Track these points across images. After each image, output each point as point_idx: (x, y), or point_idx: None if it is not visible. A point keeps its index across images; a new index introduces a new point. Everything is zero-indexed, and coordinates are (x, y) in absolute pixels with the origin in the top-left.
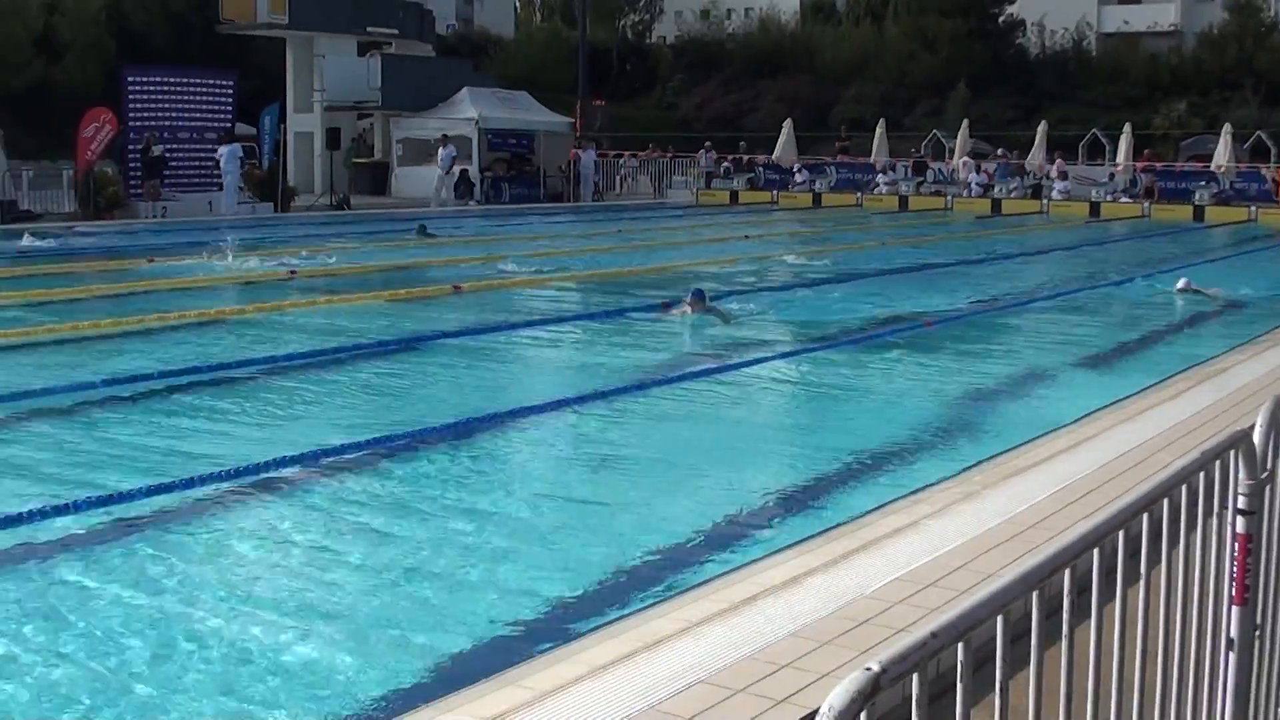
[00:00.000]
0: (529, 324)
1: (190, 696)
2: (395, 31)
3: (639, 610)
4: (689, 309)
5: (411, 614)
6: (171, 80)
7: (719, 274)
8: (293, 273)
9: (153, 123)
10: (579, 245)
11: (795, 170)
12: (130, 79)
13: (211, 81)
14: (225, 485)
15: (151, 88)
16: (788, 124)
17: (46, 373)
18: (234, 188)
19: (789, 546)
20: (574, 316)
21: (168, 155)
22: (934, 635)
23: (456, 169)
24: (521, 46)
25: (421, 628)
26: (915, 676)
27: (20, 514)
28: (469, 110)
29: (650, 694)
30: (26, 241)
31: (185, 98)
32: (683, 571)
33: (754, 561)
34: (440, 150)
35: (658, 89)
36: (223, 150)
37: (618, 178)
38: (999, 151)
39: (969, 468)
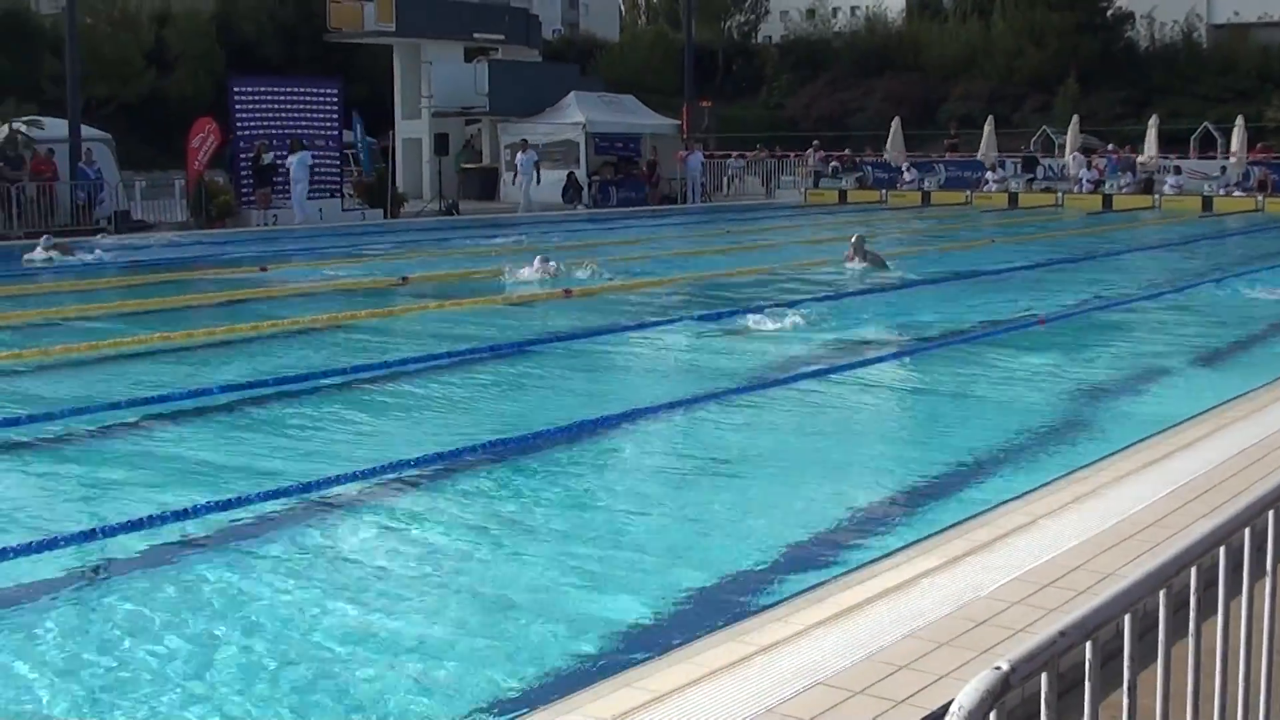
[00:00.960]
0: (638, 326)
1: (306, 687)
2: (502, 37)
3: (755, 613)
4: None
5: (529, 614)
6: (278, 89)
7: (828, 274)
8: (405, 279)
9: (260, 132)
10: (687, 247)
11: (904, 169)
12: (236, 89)
13: (318, 90)
14: (349, 487)
15: (258, 97)
16: (896, 122)
17: (168, 378)
18: (304, 196)
19: (904, 548)
20: (684, 318)
21: (278, 163)
22: (1062, 634)
23: (539, 172)
24: (627, 49)
25: (539, 627)
26: (1045, 675)
27: (154, 515)
28: (576, 114)
29: (767, 696)
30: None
31: (292, 106)
32: (798, 573)
33: (869, 563)
34: (519, 155)
35: (764, 89)
36: (292, 159)
37: (725, 179)
38: (1109, 146)
39: (1085, 466)
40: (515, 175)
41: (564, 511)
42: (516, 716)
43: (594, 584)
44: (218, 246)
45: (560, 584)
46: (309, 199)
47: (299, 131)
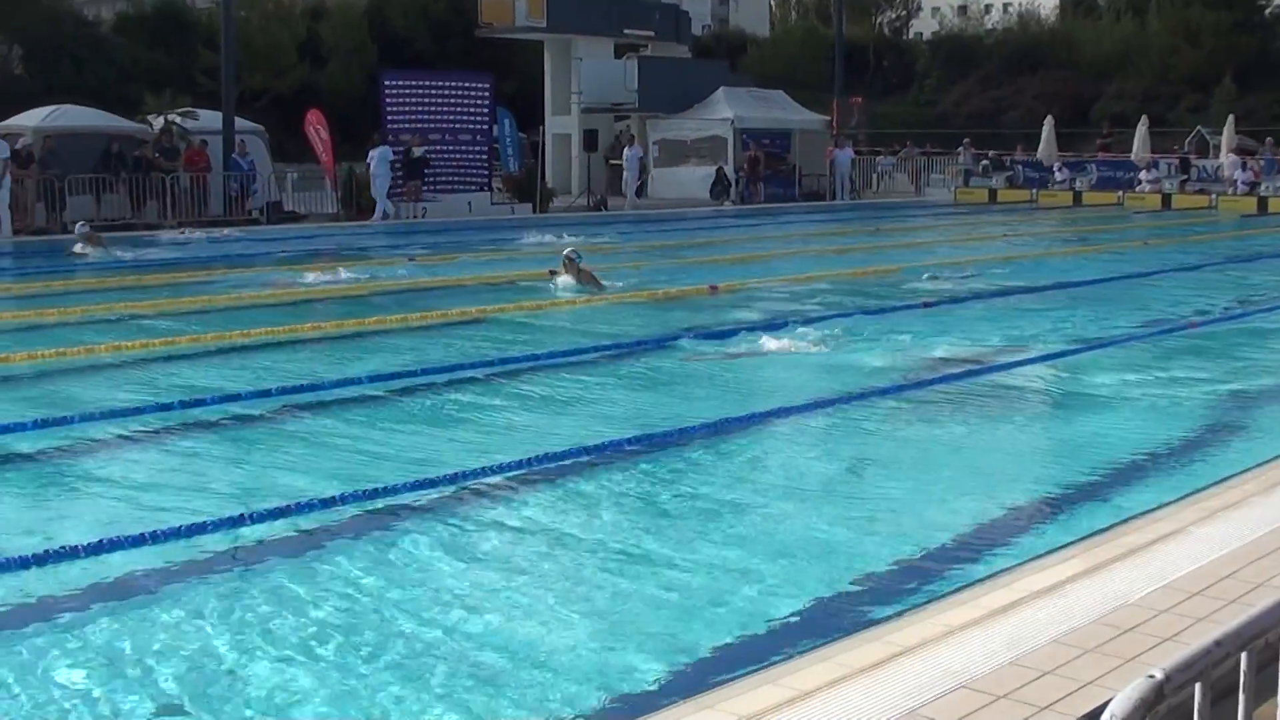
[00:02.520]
0: (784, 324)
1: (449, 680)
2: (652, 33)
3: (898, 614)
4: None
5: (672, 608)
6: (428, 83)
7: (975, 273)
8: (552, 272)
9: (410, 126)
10: (834, 244)
11: (1055, 168)
12: (387, 83)
13: (468, 85)
14: (497, 478)
15: (409, 91)
16: (1048, 121)
17: (315, 369)
18: (384, 191)
19: (1050, 552)
20: (830, 315)
21: (430, 156)
22: (1218, 644)
23: (640, 168)
24: (777, 45)
25: (681, 622)
26: (1199, 685)
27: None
28: (725, 110)
29: (910, 698)
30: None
31: (442, 101)
32: (941, 577)
33: (1014, 567)
34: (625, 151)
35: (915, 86)
36: (373, 154)
37: (874, 176)
38: (1266, 146)
39: (1238, 474)
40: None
41: (709, 508)
42: (658, 710)
43: (739, 581)
44: (369, 237)
45: (704, 580)
46: (452, 193)
47: (450, 126)
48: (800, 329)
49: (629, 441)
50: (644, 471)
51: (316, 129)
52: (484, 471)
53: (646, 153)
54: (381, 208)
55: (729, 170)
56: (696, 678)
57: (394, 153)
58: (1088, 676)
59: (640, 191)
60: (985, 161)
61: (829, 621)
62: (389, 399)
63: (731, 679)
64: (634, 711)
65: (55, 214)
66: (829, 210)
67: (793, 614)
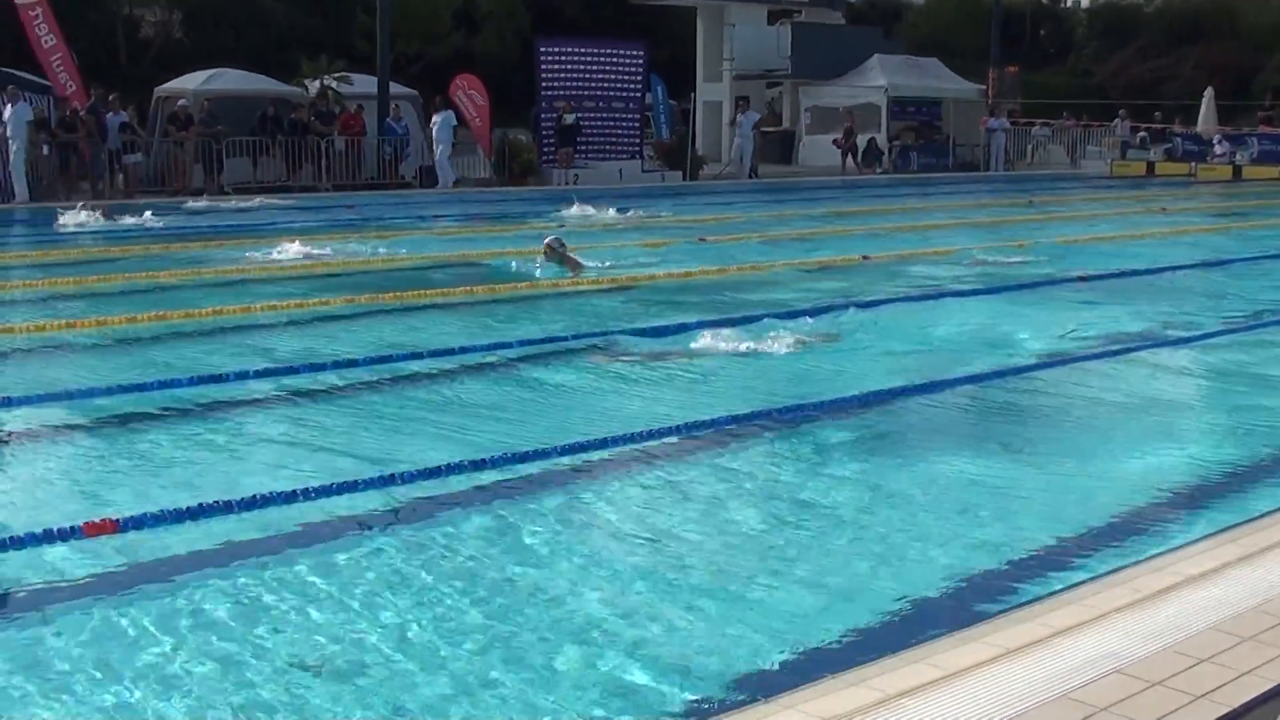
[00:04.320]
0: (936, 295)
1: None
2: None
3: (1050, 595)
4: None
5: (820, 584)
6: (582, 50)
7: (1130, 249)
8: (703, 239)
9: (564, 92)
10: (988, 215)
11: (1215, 141)
12: (543, 49)
13: (622, 51)
14: (649, 444)
15: (564, 58)
16: (1208, 93)
17: (465, 332)
18: (446, 157)
19: (1205, 537)
20: (984, 290)
21: (582, 123)
22: None
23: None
24: (933, 12)
25: (825, 599)
26: None
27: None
28: (878, 78)
29: (1061, 681)
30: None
31: (596, 67)
32: (1092, 558)
33: (1168, 551)
34: (739, 116)
35: (1072, 56)
36: (436, 119)
37: (1029, 147)
38: None
39: None
40: (734, 139)
41: (855, 482)
42: (808, 685)
43: (884, 558)
44: (525, 203)
45: (849, 556)
46: (603, 160)
47: (603, 93)
48: (955, 300)
49: (778, 411)
50: (793, 445)
51: (469, 94)
52: (637, 437)
53: (798, 120)
54: (444, 176)
55: (881, 139)
56: (845, 656)
57: (546, 117)
58: (1245, 666)
59: (754, 170)
60: (1143, 134)
61: (981, 601)
62: (533, 364)
63: (881, 656)
64: (775, 689)
65: (212, 176)
66: (982, 181)
67: (944, 592)
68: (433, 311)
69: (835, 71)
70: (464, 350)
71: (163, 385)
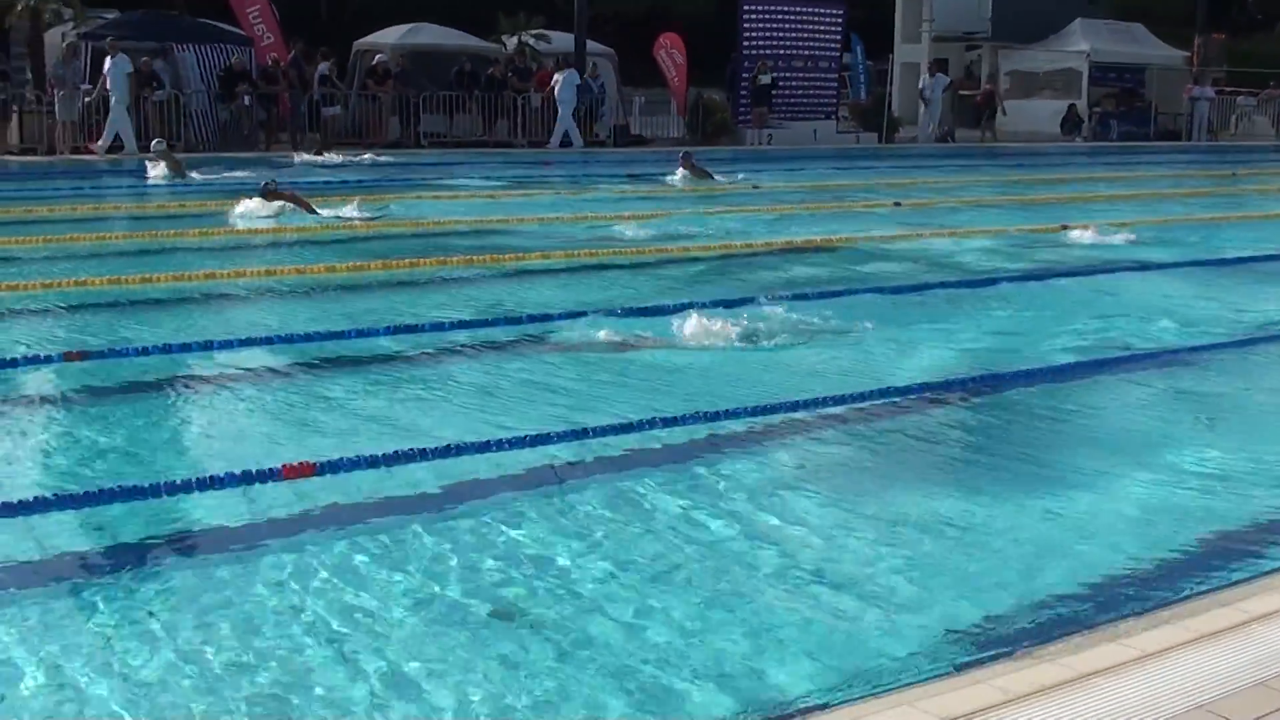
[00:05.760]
0: (1139, 268)
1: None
2: None
3: (1250, 579)
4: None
5: (1011, 558)
6: (786, 9)
7: None
8: (897, 204)
9: (765, 50)
10: (1186, 187)
11: None
12: (747, 6)
13: (823, 11)
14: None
15: (765, 15)
16: None
17: (646, 290)
18: (568, 116)
19: None
20: (1172, 264)
21: (778, 82)
22: None
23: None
24: None
25: (1024, 574)
26: None
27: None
28: (1080, 43)
29: (1261, 668)
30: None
31: (797, 26)
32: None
33: None
34: (926, 79)
35: None
36: (558, 77)
37: (1233, 117)
38: None
39: None
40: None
41: (1039, 455)
42: (1000, 660)
43: (1070, 534)
44: (721, 163)
45: (1035, 530)
46: (799, 120)
47: (805, 52)
48: (1148, 273)
49: (960, 382)
50: (980, 413)
51: (670, 53)
52: (821, 401)
53: (997, 85)
54: (559, 134)
55: (1082, 106)
56: (1039, 632)
57: (743, 76)
58: None
59: (949, 135)
60: None
61: (1176, 584)
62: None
63: (1071, 633)
64: (964, 660)
65: (409, 129)
66: (1185, 151)
67: (1138, 572)
68: (622, 271)
69: (1036, 35)
70: (655, 310)
71: (360, 334)
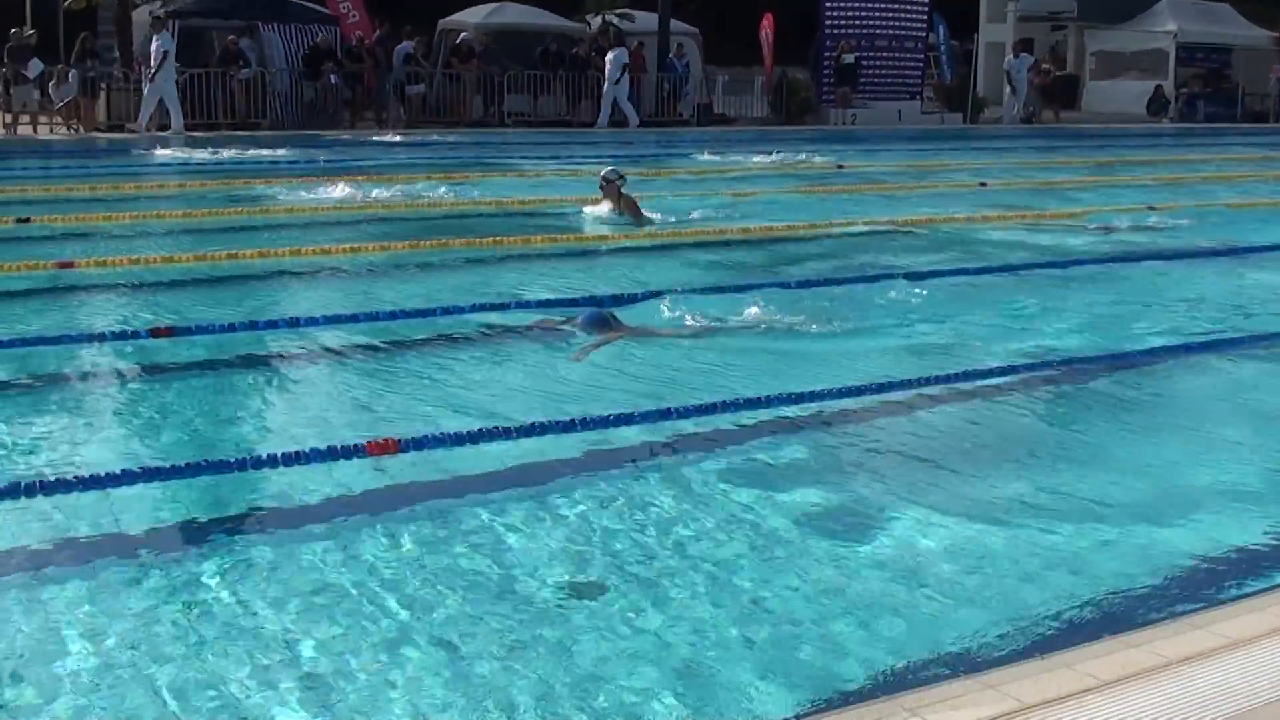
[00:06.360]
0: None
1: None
2: None
3: None
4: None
5: (1099, 541)
6: None
7: None
8: (983, 184)
9: (848, 30)
10: (1270, 169)
11: None
12: None
13: None
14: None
15: None
16: None
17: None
18: (624, 94)
19: None
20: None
21: (861, 62)
22: None
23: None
24: None
25: (1111, 556)
26: None
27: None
28: (1167, 23)
29: None
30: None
31: (881, 6)
32: None
33: None
34: (1010, 59)
35: None
36: (610, 55)
37: None
38: None
39: None
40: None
41: (1141, 438)
42: (1096, 641)
43: (1174, 517)
44: (807, 142)
45: (1133, 517)
46: (883, 100)
47: (889, 33)
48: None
49: (1062, 362)
50: (1085, 393)
51: (765, 32)
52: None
53: (1082, 65)
54: (606, 113)
55: (1168, 87)
56: (1123, 616)
57: (826, 56)
58: None
59: (1034, 114)
60: None
61: (1262, 570)
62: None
63: (1160, 620)
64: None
65: (493, 107)
66: (1272, 133)
67: (1229, 558)
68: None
69: (1123, 15)
70: (739, 288)
71: (447, 311)
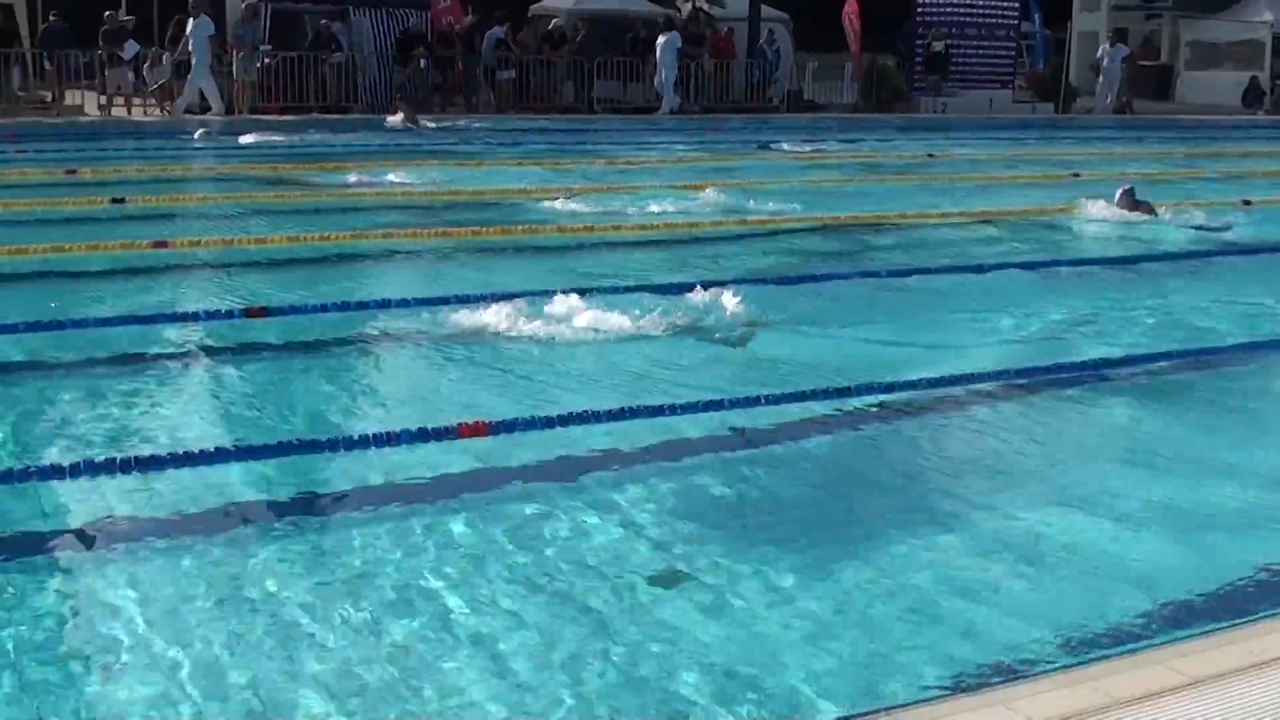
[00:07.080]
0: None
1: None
2: None
3: None
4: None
5: (1204, 533)
6: None
7: None
8: (1076, 174)
9: (939, 18)
10: None
11: None
12: None
13: None
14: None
15: None
16: None
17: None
18: (672, 82)
19: None
20: None
21: (953, 51)
22: None
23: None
24: None
25: (1206, 551)
26: None
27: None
28: (1264, 12)
29: None
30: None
31: None
32: None
33: None
34: (1103, 48)
35: None
36: (660, 40)
37: None
38: None
39: None
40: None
41: (1248, 438)
42: (1189, 639)
43: (1237, 523)
44: (897, 132)
45: (1235, 516)
46: (976, 88)
47: (982, 21)
48: None
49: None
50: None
51: (851, 19)
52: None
53: (1177, 55)
54: (671, 101)
55: (1264, 78)
56: (1219, 609)
57: (916, 43)
58: None
59: (1128, 106)
60: None
61: None
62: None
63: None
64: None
65: (584, 92)
66: None
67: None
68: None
69: (1218, 5)
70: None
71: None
